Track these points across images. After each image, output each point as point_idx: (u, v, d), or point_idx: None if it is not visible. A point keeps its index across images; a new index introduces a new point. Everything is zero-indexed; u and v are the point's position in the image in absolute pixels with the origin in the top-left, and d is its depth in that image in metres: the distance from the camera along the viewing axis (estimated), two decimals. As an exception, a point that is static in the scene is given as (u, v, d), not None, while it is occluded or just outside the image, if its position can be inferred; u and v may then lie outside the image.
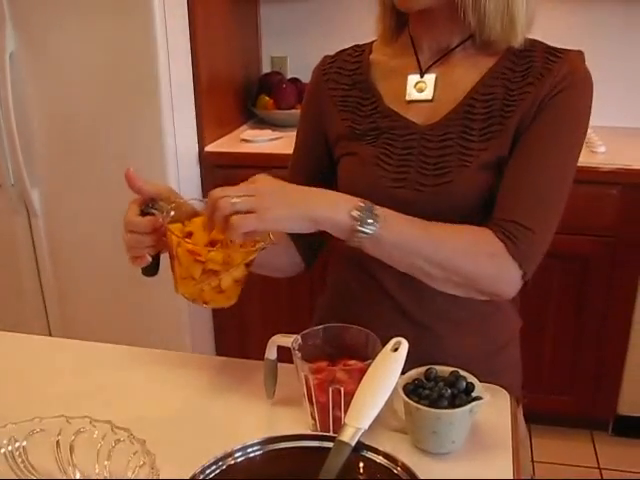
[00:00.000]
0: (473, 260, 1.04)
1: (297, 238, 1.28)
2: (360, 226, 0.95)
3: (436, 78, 1.17)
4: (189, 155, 2.45)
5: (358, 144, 1.19)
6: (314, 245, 1.30)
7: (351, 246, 0.98)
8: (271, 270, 1.28)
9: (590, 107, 1.12)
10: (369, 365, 0.86)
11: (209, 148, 2.52)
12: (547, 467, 2.37)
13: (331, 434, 0.78)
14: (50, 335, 2.60)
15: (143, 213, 1.03)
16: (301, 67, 2.93)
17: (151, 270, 1.09)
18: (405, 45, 1.22)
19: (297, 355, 0.96)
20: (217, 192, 0.93)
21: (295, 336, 0.98)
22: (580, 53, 1.13)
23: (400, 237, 1.00)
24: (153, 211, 1.03)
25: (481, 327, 1.21)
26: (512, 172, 1.09)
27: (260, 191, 0.94)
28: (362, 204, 0.96)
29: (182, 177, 2.39)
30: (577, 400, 2.49)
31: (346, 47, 1.31)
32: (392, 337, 0.87)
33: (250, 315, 2.55)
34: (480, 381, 0.96)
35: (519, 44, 1.13)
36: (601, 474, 2.41)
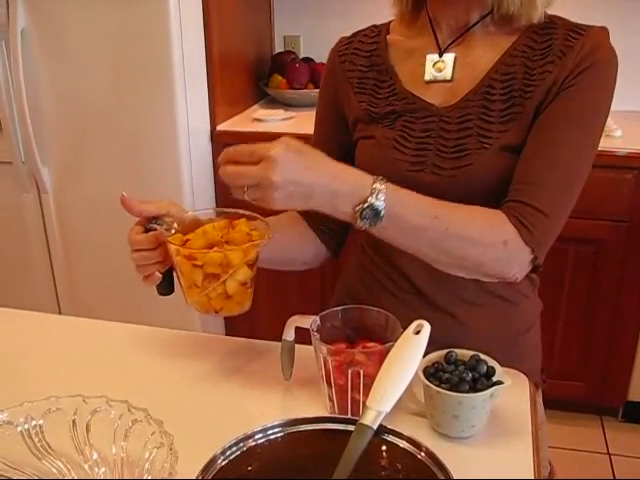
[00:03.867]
0: (483, 248, 1.01)
1: (320, 231, 1.27)
2: (363, 223, 0.93)
3: (455, 57, 1.15)
4: (201, 134, 2.43)
5: (375, 127, 1.17)
6: (337, 235, 1.29)
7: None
8: (297, 264, 1.28)
9: (614, 88, 1.08)
10: (389, 348, 0.85)
11: (221, 127, 2.50)
12: (557, 452, 2.36)
13: (353, 417, 0.77)
14: (60, 312, 2.60)
15: (147, 230, 1.02)
16: (314, 47, 2.90)
17: (165, 288, 1.08)
18: (423, 25, 1.19)
19: (316, 336, 0.95)
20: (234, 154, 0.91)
21: (314, 317, 0.97)
22: (604, 29, 1.09)
23: (409, 228, 0.97)
24: (156, 226, 1.02)
25: (503, 312, 1.20)
26: (530, 153, 1.06)
27: (279, 160, 0.88)
28: (370, 197, 0.93)
29: (194, 155, 2.38)
30: (587, 386, 2.49)
31: (363, 27, 1.28)
32: (413, 321, 0.86)
33: (259, 295, 2.54)
34: (501, 366, 0.95)
35: (539, 19, 1.10)
36: (610, 460, 2.41)
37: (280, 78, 2.74)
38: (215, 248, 0.96)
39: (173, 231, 1.00)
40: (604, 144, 2.26)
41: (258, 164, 0.89)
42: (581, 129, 1.06)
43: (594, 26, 1.09)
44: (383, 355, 0.84)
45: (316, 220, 1.26)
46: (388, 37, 1.23)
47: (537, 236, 1.03)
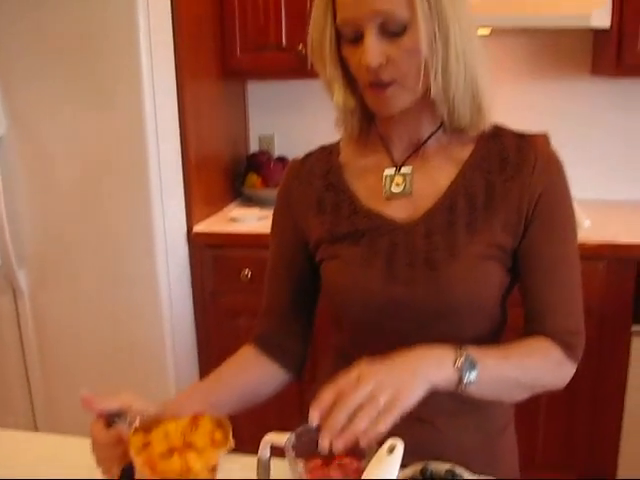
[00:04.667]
0: (548, 375, 1.12)
1: (281, 357, 1.26)
2: (466, 376, 0.97)
3: (412, 172, 1.16)
4: (177, 235, 2.46)
5: (340, 246, 1.17)
6: (299, 357, 1.29)
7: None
8: (259, 402, 1.26)
9: (569, 188, 1.16)
10: (365, 465, 0.84)
11: (198, 227, 2.53)
12: None
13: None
14: (35, 426, 2.53)
15: (109, 423, 1.02)
16: (288, 145, 2.97)
17: None
18: (374, 142, 1.21)
19: (291, 454, 0.94)
20: (343, 401, 0.87)
21: (289, 435, 0.97)
22: (546, 137, 1.16)
23: (495, 375, 1.03)
24: (118, 421, 1.01)
25: (479, 418, 1.20)
26: (536, 281, 1.13)
27: (380, 375, 0.90)
28: (460, 353, 0.97)
29: (170, 257, 2.39)
30: (574, 474, 2.46)
31: (312, 150, 1.28)
32: (389, 432, 0.86)
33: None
34: (479, 472, 0.94)
35: (487, 127, 1.15)
36: None
37: (255, 177, 2.80)
38: (175, 454, 0.94)
39: (133, 427, 0.99)
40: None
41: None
42: (567, 241, 1.15)
43: (537, 135, 1.16)
44: (359, 472, 0.84)
45: (274, 346, 1.26)
46: (340, 157, 1.23)
47: (578, 352, 1.14)
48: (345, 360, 1.21)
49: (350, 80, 1.12)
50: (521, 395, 1.09)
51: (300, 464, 0.92)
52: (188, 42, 2.40)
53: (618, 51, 2.37)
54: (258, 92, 3.02)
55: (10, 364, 2.55)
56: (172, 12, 2.32)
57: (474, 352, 0.99)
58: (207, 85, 2.62)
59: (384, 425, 0.85)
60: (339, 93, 1.13)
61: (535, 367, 1.09)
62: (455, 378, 0.96)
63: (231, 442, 0.96)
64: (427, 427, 1.17)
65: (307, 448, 0.96)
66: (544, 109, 2.76)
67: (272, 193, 2.70)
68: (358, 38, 1.05)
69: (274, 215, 1.30)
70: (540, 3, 2.33)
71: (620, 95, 2.73)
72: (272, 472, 1.03)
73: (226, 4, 2.60)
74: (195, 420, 0.99)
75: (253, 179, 2.81)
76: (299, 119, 2.95)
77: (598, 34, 2.58)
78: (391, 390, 0.88)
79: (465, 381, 0.96)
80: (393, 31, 1.03)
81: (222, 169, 2.80)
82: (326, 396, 0.89)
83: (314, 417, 0.87)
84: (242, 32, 2.61)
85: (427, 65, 1.05)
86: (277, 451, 1.01)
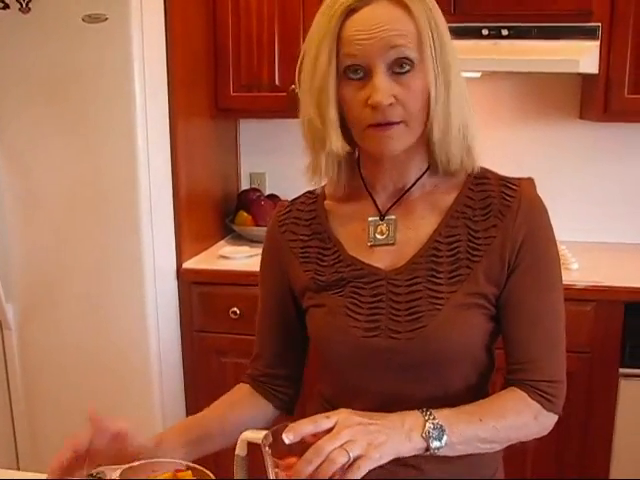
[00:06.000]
0: (523, 430, 1.11)
1: (273, 397, 1.28)
2: (433, 444, 0.98)
3: (396, 220, 1.17)
4: (167, 271, 2.45)
5: (325, 295, 1.17)
6: (291, 399, 1.30)
7: None
8: None
9: (554, 233, 1.16)
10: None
11: (187, 264, 2.53)
12: None
13: None
14: (18, 465, 2.51)
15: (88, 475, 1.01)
16: (279, 183, 2.99)
17: None
18: (358, 188, 1.21)
19: (267, 451, 0.94)
20: (317, 451, 0.90)
21: (266, 432, 0.97)
22: (531, 181, 1.16)
23: (464, 436, 1.03)
24: (100, 476, 1.00)
25: (468, 464, 1.18)
26: (519, 330, 1.13)
27: (355, 432, 0.92)
28: (428, 420, 0.99)
29: (160, 293, 2.39)
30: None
31: (298, 195, 1.29)
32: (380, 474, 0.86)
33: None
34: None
35: (476, 170, 1.15)
36: None
37: (246, 215, 2.80)
38: None
39: None
40: (563, 277, 2.33)
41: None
42: (552, 289, 1.14)
43: (522, 179, 1.16)
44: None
45: (265, 388, 1.28)
46: (325, 203, 1.24)
47: (558, 402, 1.13)
48: (332, 407, 1.20)
49: (343, 124, 1.11)
50: (499, 447, 1.11)
51: (273, 461, 0.92)
52: (181, 79, 2.43)
53: (605, 97, 2.41)
54: (250, 131, 3.04)
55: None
56: (166, 50, 2.35)
57: (445, 417, 1.00)
58: (199, 122, 2.64)
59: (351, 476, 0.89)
60: (337, 137, 1.11)
61: (509, 427, 1.08)
62: (423, 447, 0.98)
63: None
64: (415, 473, 1.15)
65: (285, 446, 0.95)
66: (532, 152, 2.79)
67: (262, 231, 2.68)
68: (363, 77, 1.05)
69: (262, 261, 1.31)
70: (530, 48, 2.37)
71: (607, 139, 2.76)
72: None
73: (220, 43, 2.63)
74: (177, 474, 0.98)
75: (243, 217, 2.81)
76: (290, 158, 2.92)
77: (586, 79, 2.61)
78: (363, 446, 0.91)
79: (432, 448, 0.98)
80: (401, 71, 1.04)
81: (212, 206, 2.81)
82: (303, 426, 0.93)
83: (288, 438, 0.91)
84: (235, 71, 2.64)
85: (431, 108, 1.06)
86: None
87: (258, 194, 2.91)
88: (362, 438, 0.92)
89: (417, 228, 1.16)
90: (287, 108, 2.58)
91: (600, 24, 2.34)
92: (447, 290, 1.11)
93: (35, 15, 2.19)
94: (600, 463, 2.37)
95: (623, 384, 2.30)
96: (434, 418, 0.99)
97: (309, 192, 1.27)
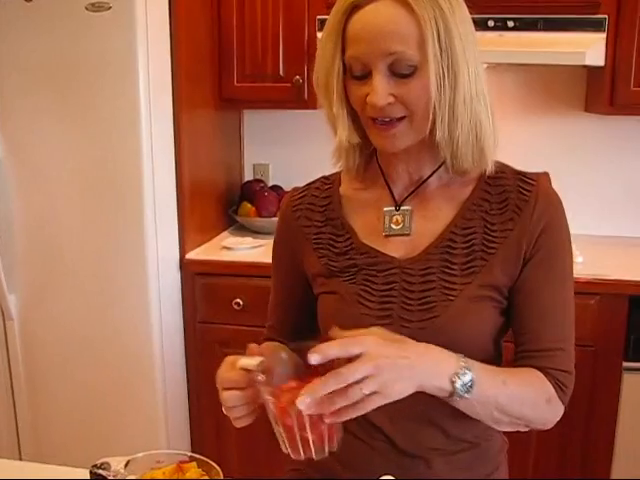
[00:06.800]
0: (536, 409, 1.10)
1: None
2: (457, 395, 0.98)
3: (412, 211, 1.17)
4: (170, 262, 2.45)
5: (337, 281, 1.17)
6: None
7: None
8: None
9: (569, 227, 1.16)
10: None
11: (190, 255, 2.52)
12: None
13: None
14: (20, 454, 2.47)
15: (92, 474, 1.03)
16: (283, 174, 2.98)
17: None
18: (375, 176, 1.21)
19: (259, 379, 0.95)
20: (336, 378, 0.89)
21: (261, 359, 0.97)
22: (546, 175, 1.17)
23: (486, 397, 1.02)
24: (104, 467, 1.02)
25: (474, 457, 1.19)
26: (535, 321, 1.13)
27: (379, 367, 0.91)
28: (461, 367, 0.98)
29: (163, 284, 2.38)
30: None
31: (314, 180, 1.29)
32: (383, 468, 0.86)
33: (227, 445, 2.49)
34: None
35: (490, 168, 1.15)
36: None
37: (249, 206, 2.80)
38: None
39: None
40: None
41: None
42: (565, 281, 1.15)
43: (539, 174, 1.16)
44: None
45: None
46: (340, 189, 1.24)
47: (567, 392, 1.13)
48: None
49: (354, 115, 1.12)
50: (501, 423, 1.09)
51: (266, 388, 0.93)
52: (185, 69, 2.42)
53: (611, 89, 2.40)
54: (254, 121, 3.03)
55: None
56: (170, 39, 2.34)
57: (476, 371, 0.99)
58: (203, 113, 2.63)
59: (354, 414, 0.90)
60: (343, 129, 1.12)
61: (525, 399, 1.08)
62: (446, 393, 0.98)
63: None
64: (421, 465, 1.15)
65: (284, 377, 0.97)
66: (537, 145, 2.78)
67: (265, 222, 2.76)
68: (365, 75, 1.05)
69: (274, 245, 1.31)
70: (535, 40, 2.36)
71: (613, 132, 2.75)
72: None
73: (224, 34, 2.62)
74: (182, 466, 0.99)
75: (247, 208, 2.80)
76: (294, 149, 2.96)
77: (592, 72, 2.60)
78: (381, 383, 0.90)
79: (455, 398, 0.98)
80: (402, 72, 1.03)
81: (216, 197, 2.80)
82: (330, 349, 0.91)
83: (314, 359, 0.89)
84: (239, 62, 2.63)
85: (434, 107, 1.05)
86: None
87: (262, 185, 2.90)
88: (383, 374, 0.90)
89: (433, 219, 1.16)
90: (291, 99, 2.60)
91: (607, 16, 2.33)
92: (460, 282, 1.11)
93: (38, 3, 2.18)
94: (603, 456, 2.37)
95: (626, 377, 2.29)
96: (469, 370, 0.98)
97: (324, 177, 1.28)
